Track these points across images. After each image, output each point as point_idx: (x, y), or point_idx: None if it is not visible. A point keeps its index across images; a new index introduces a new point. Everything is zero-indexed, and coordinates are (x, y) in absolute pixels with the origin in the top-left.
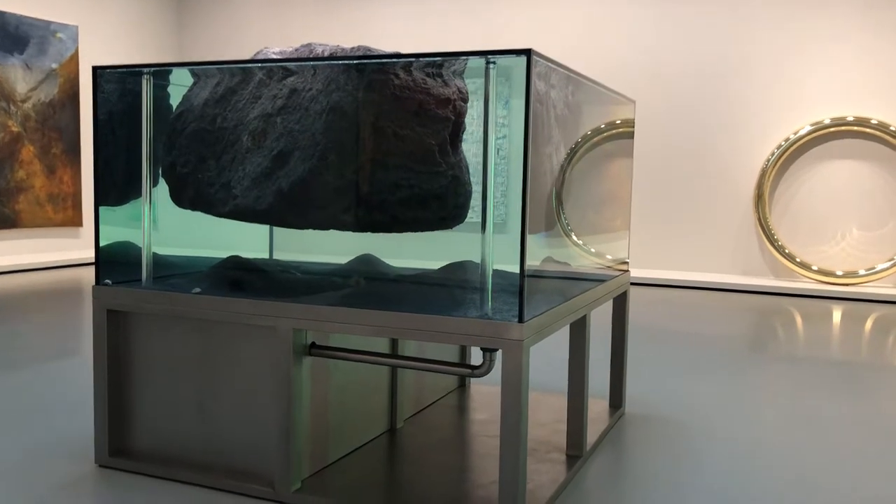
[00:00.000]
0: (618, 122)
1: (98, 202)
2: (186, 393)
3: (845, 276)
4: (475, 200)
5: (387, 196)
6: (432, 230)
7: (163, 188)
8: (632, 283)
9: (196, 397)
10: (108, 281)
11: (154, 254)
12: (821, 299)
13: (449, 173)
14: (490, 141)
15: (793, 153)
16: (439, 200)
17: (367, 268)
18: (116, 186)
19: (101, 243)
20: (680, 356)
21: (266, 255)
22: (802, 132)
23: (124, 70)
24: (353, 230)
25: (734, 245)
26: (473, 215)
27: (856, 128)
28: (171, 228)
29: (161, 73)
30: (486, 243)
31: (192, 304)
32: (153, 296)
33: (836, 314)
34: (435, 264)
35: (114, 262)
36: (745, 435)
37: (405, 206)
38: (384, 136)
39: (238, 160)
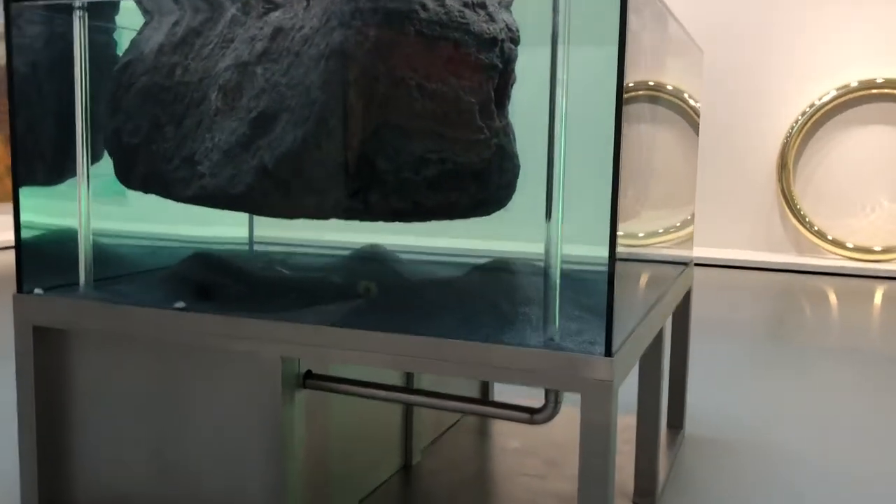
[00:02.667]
0: (684, 76)
1: (18, 181)
2: (142, 436)
3: (884, 251)
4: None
5: (409, 174)
6: (468, 217)
7: (106, 163)
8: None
9: (155, 442)
10: (37, 290)
11: (98, 245)
12: (851, 277)
13: (492, 142)
14: (559, 96)
15: (819, 119)
16: (479, 179)
17: (377, 264)
18: (45, 160)
19: (25, 235)
20: (721, 350)
21: (244, 230)
22: (827, 98)
23: (49, 3)
24: (363, 219)
25: (754, 218)
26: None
27: (887, 90)
28: (122, 205)
29: (99, 7)
30: (551, 235)
31: (147, 322)
32: (95, 308)
33: (878, 295)
34: (459, 249)
35: (44, 261)
36: (837, 457)
37: (433, 187)
38: (406, 91)
39: (205, 126)
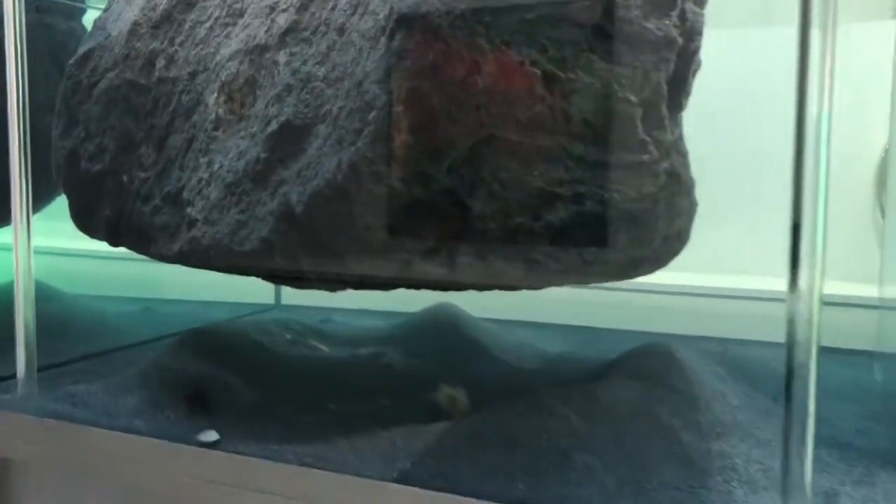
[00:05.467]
0: None
1: None
2: None
3: None
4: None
5: (522, 219)
6: (613, 280)
7: (61, 204)
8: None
9: None
10: None
11: (46, 312)
12: None
13: (661, 166)
14: (812, 102)
15: None
16: (637, 226)
17: (458, 346)
18: None
19: None
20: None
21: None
22: None
23: None
24: (445, 289)
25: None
26: None
27: None
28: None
29: None
30: (796, 316)
31: (119, 455)
32: (39, 427)
33: None
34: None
35: None
36: None
37: (560, 239)
38: (522, 84)
39: (199, 146)
